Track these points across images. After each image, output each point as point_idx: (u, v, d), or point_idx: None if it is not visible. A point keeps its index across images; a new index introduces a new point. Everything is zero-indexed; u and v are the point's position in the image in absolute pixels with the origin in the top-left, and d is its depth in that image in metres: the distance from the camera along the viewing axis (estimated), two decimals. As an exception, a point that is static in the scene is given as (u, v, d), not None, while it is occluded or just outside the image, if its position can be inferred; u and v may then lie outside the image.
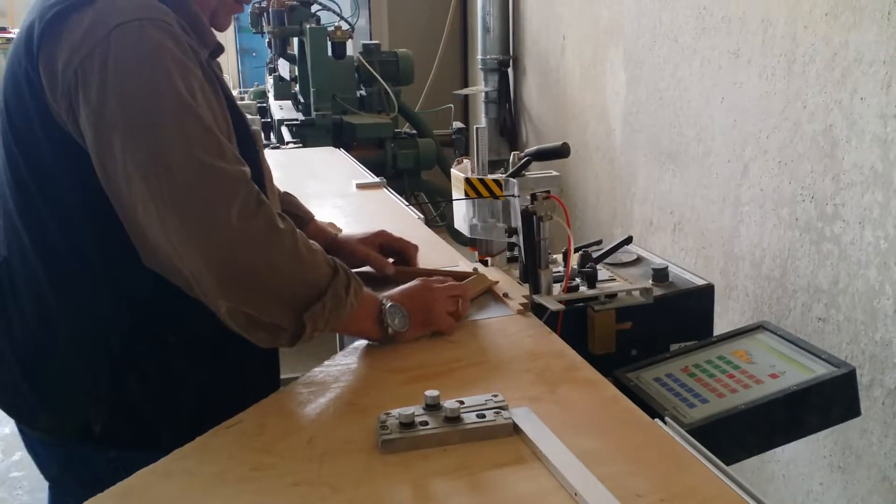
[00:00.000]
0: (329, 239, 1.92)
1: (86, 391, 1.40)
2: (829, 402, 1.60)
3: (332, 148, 4.06)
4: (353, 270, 1.45)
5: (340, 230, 2.10)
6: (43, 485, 1.62)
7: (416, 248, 1.97)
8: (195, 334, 1.42)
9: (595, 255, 1.92)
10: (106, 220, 1.31)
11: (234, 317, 1.28)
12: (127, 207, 1.28)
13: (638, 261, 2.04)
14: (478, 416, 1.23)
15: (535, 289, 1.74)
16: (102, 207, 1.30)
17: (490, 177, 1.89)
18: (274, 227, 1.29)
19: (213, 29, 1.50)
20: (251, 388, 1.40)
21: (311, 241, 1.37)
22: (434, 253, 2.12)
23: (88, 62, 1.25)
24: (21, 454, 3.58)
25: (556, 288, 1.78)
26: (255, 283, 1.28)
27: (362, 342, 1.58)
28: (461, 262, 2.01)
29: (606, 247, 2.00)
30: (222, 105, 1.38)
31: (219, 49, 1.49)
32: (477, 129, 1.94)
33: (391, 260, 1.92)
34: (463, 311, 1.63)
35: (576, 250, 1.89)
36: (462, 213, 2.00)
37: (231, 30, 12.40)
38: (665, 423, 1.26)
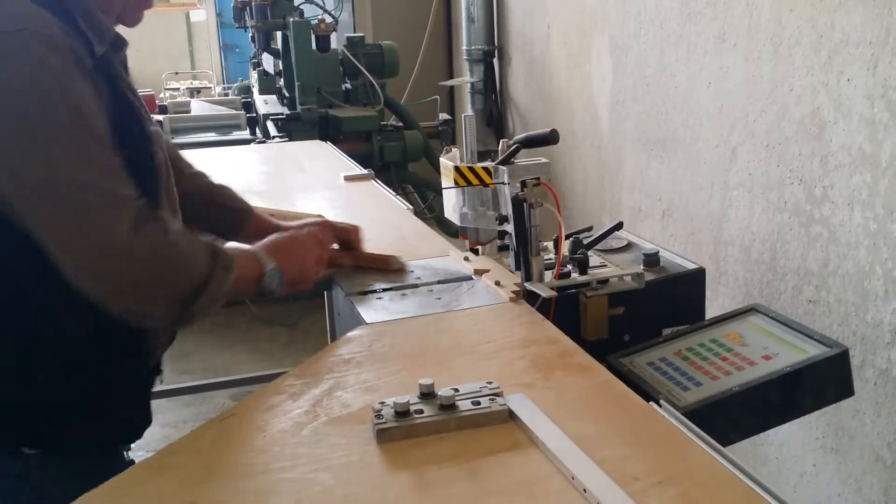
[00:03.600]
0: (273, 230, 1.85)
1: None
2: (822, 382, 1.61)
3: (318, 141, 4.03)
4: None
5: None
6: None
7: (356, 230, 1.94)
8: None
9: (586, 241, 1.92)
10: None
11: (128, 317, 1.37)
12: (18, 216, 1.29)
13: (629, 246, 2.04)
14: (473, 403, 1.22)
15: (527, 276, 1.74)
16: None
17: (479, 165, 1.89)
18: (159, 243, 1.35)
19: (121, 23, 1.48)
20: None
21: (191, 237, 1.44)
22: (424, 243, 2.11)
23: None
24: None
25: (548, 275, 1.77)
26: (146, 292, 1.36)
27: (354, 333, 1.57)
28: (451, 252, 2.01)
29: (597, 233, 2.00)
30: (103, 114, 1.35)
31: (119, 43, 1.47)
32: (465, 116, 1.94)
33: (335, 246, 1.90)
34: (324, 258, 1.73)
35: (566, 237, 1.89)
36: (452, 202, 1.99)
37: (213, 24, 12.37)
38: (660, 406, 1.26)
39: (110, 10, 1.44)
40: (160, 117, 5.41)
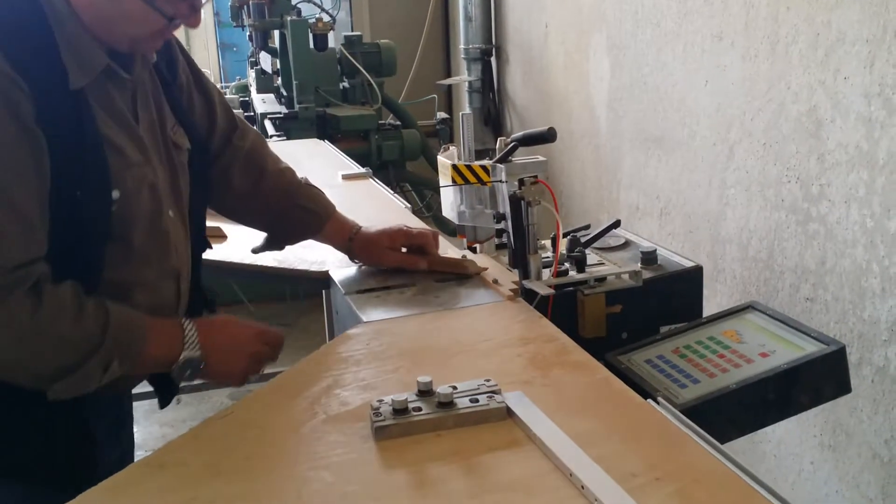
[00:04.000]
0: (350, 235, 1.85)
1: None
2: (819, 379, 1.61)
3: (316, 140, 4.03)
4: None
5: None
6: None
7: (434, 235, 1.89)
8: None
9: (583, 239, 1.92)
10: None
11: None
12: None
13: (626, 244, 2.04)
14: (471, 400, 1.22)
15: (525, 274, 1.74)
16: None
17: (477, 163, 1.89)
18: (17, 320, 1.27)
19: (136, 52, 1.43)
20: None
21: (79, 321, 1.32)
22: (422, 241, 2.11)
23: None
24: None
25: (546, 273, 1.77)
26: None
27: (352, 331, 1.57)
28: (449, 250, 2.01)
29: (595, 231, 2.00)
30: (25, 156, 1.27)
31: (114, 72, 1.39)
32: (462, 115, 1.94)
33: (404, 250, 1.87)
34: (265, 355, 1.60)
35: (564, 235, 1.89)
36: (450, 201, 2.00)
37: (211, 24, 12.33)
38: (658, 403, 1.26)
39: (116, 38, 1.37)
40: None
